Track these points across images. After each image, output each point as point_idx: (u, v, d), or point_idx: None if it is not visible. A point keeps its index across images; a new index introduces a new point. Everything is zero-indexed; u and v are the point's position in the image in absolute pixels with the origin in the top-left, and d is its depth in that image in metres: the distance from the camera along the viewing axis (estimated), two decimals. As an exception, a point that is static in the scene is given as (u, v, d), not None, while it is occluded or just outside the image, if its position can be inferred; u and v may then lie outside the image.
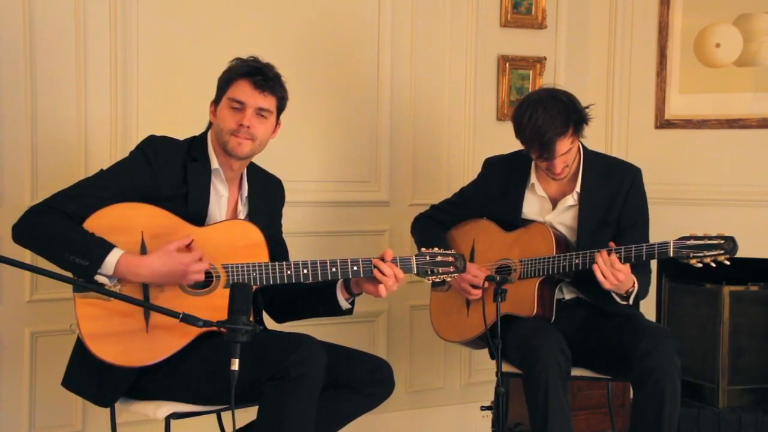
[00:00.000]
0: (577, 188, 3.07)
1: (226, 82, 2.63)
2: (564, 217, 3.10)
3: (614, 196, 3.06)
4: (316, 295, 2.74)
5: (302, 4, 3.63)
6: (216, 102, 2.66)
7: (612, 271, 2.80)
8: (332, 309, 2.73)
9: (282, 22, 3.58)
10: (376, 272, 2.60)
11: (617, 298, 2.94)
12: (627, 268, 2.83)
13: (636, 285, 2.90)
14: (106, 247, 2.42)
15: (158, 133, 2.66)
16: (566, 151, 2.93)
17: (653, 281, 4.06)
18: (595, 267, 2.82)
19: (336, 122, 3.75)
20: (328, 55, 3.70)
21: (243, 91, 2.60)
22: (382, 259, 2.62)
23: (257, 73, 2.60)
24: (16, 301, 3.17)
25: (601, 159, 3.16)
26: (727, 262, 2.76)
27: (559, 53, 4.18)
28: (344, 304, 2.71)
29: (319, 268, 2.59)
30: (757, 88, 4.00)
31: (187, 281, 2.49)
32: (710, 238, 2.76)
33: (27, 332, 3.19)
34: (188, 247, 2.50)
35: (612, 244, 2.86)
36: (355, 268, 2.60)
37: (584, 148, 3.11)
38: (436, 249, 2.73)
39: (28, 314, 3.18)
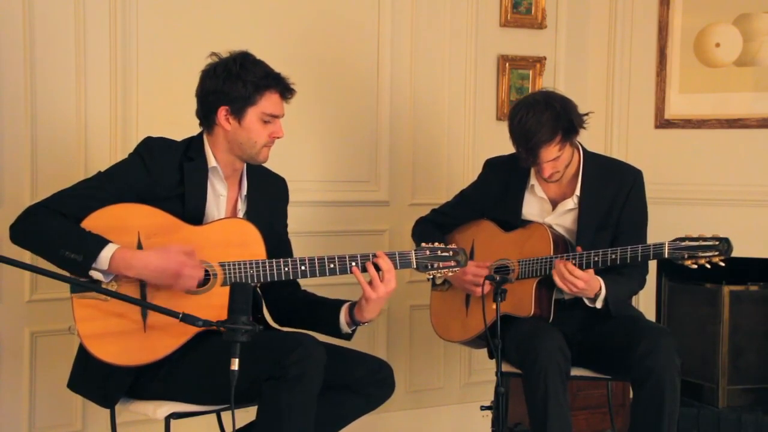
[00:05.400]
0: (577, 191, 3.06)
1: (251, 93, 2.56)
2: (564, 219, 3.10)
3: (615, 199, 3.06)
4: (318, 312, 2.73)
5: (302, 4, 3.63)
6: (236, 112, 2.58)
7: (571, 279, 2.83)
8: (332, 330, 2.70)
9: (282, 23, 3.58)
10: (378, 260, 2.57)
11: (586, 301, 2.95)
12: (586, 275, 2.84)
13: (603, 288, 2.90)
14: (101, 242, 2.41)
15: (158, 134, 2.66)
16: (553, 158, 2.93)
17: (652, 281, 4.08)
18: (554, 273, 2.86)
19: (336, 122, 3.75)
20: (328, 55, 3.70)
21: (275, 104, 2.61)
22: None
23: (287, 87, 2.62)
24: (16, 301, 3.17)
25: (602, 161, 3.16)
26: (722, 264, 2.77)
27: (559, 53, 4.18)
28: (345, 328, 2.69)
29: (317, 264, 2.58)
30: (757, 88, 4.00)
31: (179, 284, 2.45)
32: (705, 239, 2.76)
33: (27, 332, 3.19)
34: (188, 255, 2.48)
35: (579, 249, 2.89)
36: (353, 264, 2.60)
37: (584, 150, 3.10)
38: (436, 243, 2.70)
39: (27, 314, 3.18)
